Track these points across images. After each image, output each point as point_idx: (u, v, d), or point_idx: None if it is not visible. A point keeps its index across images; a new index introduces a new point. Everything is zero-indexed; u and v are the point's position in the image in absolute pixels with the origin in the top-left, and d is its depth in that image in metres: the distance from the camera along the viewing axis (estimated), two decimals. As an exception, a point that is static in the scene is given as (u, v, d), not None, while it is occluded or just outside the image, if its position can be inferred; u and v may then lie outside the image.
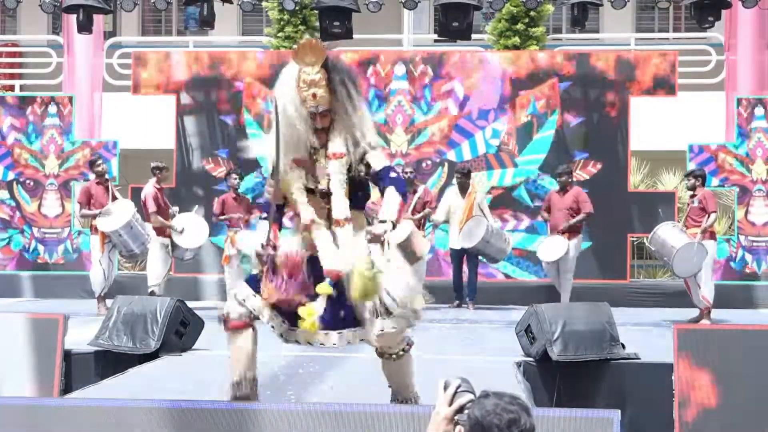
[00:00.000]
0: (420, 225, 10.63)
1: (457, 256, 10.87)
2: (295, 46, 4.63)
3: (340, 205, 4.54)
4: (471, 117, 12.05)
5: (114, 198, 10.04)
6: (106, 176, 10.19)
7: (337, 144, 4.56)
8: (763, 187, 11.81)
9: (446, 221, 10.79)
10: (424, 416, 4.60)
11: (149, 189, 10.24)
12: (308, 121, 4.53)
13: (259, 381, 4.76)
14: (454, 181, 10.94)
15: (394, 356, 4.62)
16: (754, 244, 11.76)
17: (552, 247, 10.32)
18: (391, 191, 4.48)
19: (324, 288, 4.41)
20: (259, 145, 4.54)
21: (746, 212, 11.82)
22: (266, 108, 11.65)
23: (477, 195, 10.73)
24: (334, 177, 4.54)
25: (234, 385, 4.63)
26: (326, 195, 4.59)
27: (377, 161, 4.60)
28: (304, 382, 5.88)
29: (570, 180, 10.45)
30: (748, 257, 11.75)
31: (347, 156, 4.55)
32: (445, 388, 2.64)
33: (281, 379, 5.93)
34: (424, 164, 12.07)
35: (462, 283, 10.96)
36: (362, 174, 4.61)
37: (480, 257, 10.76)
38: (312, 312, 4.38)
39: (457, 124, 12.06)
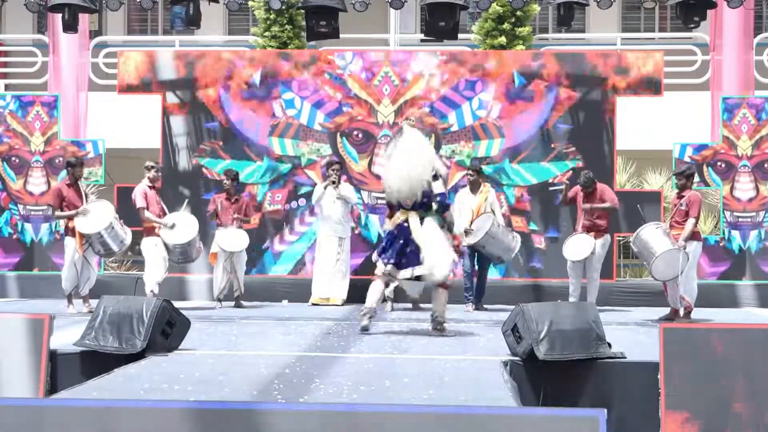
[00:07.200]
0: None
1: (470, 255, 10.55)
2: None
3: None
4: (458, 88, 12.04)
5: (86, 198, 9.92)
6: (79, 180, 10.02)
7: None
8: (748, 163, 11.85)
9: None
10: (424, 416, 4.62)
11: (140, 187, 10.20)
12: None
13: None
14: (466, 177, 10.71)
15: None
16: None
17: (578, 246, 10.10)
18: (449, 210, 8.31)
19: None
20: None
21: (731, 188, 11.85)
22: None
23: (489, 194, 10.50)
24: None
25: (366, 309, 8.16)
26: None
27: (438, 187, 8.07)
28: (304, 382, 5.86)
29: (594, 179, 10.24)
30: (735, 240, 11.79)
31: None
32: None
33: (281, 379, 5.91)
34: None
35: (473, 283, 10.66)
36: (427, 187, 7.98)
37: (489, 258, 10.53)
38: None
39: (444, 95, 12.03)
